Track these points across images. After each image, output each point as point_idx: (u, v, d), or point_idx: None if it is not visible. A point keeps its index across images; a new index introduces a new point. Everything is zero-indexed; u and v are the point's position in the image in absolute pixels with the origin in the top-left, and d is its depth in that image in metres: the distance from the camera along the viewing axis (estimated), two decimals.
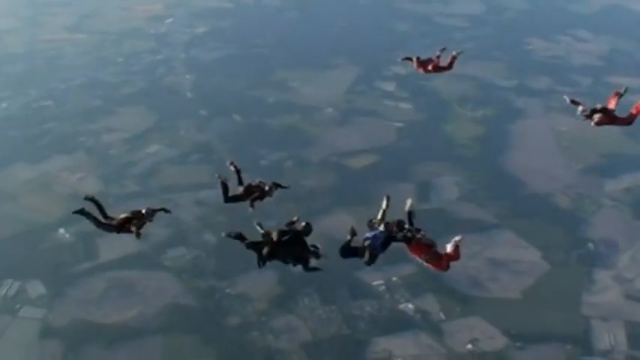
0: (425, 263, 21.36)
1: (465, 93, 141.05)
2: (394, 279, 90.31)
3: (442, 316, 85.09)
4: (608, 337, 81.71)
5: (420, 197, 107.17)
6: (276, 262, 24.98)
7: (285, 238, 21.14)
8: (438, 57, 26.76)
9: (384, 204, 23.25)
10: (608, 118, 21.88)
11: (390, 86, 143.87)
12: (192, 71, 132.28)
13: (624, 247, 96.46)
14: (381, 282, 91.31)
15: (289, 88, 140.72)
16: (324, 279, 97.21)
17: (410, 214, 22.78)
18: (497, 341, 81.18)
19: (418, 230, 20.63)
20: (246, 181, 22.72)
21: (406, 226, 20.85)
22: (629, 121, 21.97)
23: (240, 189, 22.73)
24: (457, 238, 21.09)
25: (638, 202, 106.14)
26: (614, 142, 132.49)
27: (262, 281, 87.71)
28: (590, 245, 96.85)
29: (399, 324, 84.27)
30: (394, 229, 20.61)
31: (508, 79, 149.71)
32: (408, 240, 20.48)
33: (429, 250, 20.84)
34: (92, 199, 21.27)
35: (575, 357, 78.99)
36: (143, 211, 21.26)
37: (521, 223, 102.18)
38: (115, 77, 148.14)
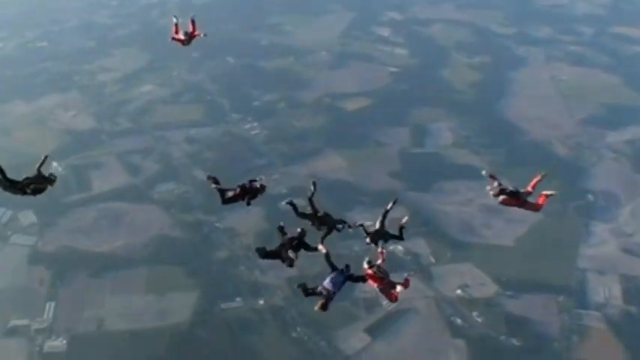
0: (379, 292, 21.09)
1: (463, 39, 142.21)
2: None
3: (432, 259, 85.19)
4: (604, 290, 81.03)
5: (415, 141, 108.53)
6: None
7: (295, 242, 22.18)
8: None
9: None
10: (517, 201, 21.43)
11: (385, 31, 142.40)
12: (186, 14, 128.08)
13: (625, 200, 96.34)
14: (370, 223, 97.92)
15: (283, 32, 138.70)
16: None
17: (402, 228, 23.63)
18: (488, 288, 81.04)
19: (379, 266, 20.90)
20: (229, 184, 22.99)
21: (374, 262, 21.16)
22: (536, 208, 21.80)
23: (231, 194, 22.83)
24: (406, 275, 21.39)
25: (639, 155, 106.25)
26: (616, 93, 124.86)
27: (250, 217, 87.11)
28: (590, 197, 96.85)
29: (388, 265, 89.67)
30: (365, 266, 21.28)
31: (507, 26, 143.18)
32: (363, 279, 20.95)
33: (382, 281, 20.69)
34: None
35: (568, 309, 78.45)
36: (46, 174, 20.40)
37: (517, 170, 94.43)
38: (109, 19, 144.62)
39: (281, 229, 22.97)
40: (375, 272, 20.79)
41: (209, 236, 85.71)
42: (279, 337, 72.38)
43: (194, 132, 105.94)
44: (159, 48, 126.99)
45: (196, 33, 28.30)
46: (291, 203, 24.28)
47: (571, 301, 79.17)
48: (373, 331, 74.47)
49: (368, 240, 23.03)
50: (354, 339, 73.74)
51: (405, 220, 24.25)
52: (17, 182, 19.42)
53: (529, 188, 21.55)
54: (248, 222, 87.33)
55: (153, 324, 74.50)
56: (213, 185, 23.09)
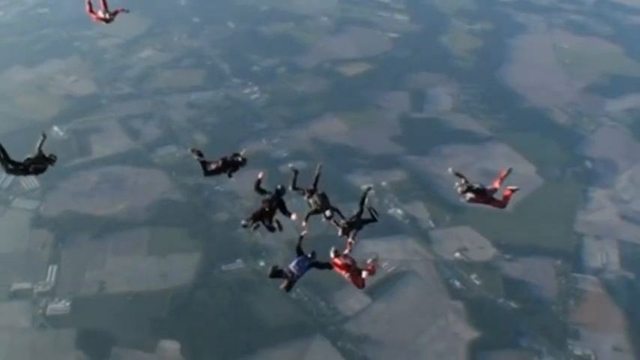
0: (347, 278, 21.45)
1: (464, 6, 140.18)
2: (383, 184, 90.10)
3: (431, 223, 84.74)
4: (601, 255, 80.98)
5: (414, 106, 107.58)
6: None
7: (274, 204, 22.84)
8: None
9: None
10: (483, 198, 21.98)
11: None
12: None
13: (623, 167, 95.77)
14: (370, 186, 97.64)
15: None
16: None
17: (374, 210, 23.72)
18: (487, 252, 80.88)
19: (346, 255, 21.36)
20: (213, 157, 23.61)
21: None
22: (502, 204, 22.69)
23: (214, 166, 23.58)
24: (370, 261, 21.59)
25: (638, 123, 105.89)
26: (617, 62, 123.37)
27: (251, 180, 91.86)
28: (588, 163, 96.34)
29: (386, 228, 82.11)
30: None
31: None
32: (328, 266, 21.37)
33: (348, 268, 21.10)
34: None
35: (565, 273, 78.35)
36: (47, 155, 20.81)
37: (517, 136, 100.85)
38: None
39: (257, 186, 23.76)
40: (341, 261, 21.26)
41: (210, 199, 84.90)
42: (279, 298, 71.51)
43: (194, 96, 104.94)
44: (159, 13, 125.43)
45: (119, 9, 26.45)
46: (294, 170, 24.82)
47: (568, 266, 78.99)
48: (372, 292, 73.62)
49: (340, 232, 23.04)
50: (353, 300, 73.16)
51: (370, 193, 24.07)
52: (19, 164, 20.29)
53: (495, 185, 22.30)
54: (249, 185, 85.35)
55: (155, 286, 73.99)
56: (196, 157, 23.70)
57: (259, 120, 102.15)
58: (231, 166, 24.15)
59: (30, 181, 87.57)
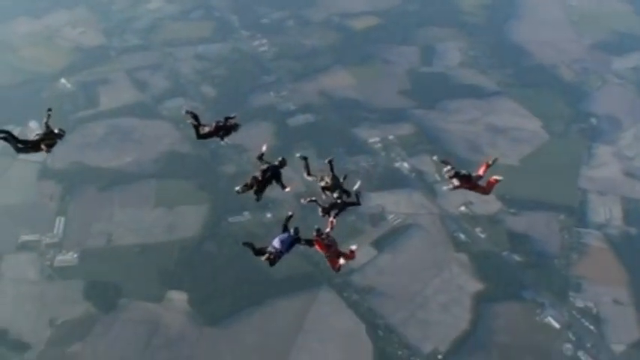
0: (326, 258, 20.68)
1: None
2: (391, 137, 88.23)
3: (437, 177, 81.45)
4: (604, 211, 79.52)
5: (423, 61, 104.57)
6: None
7: (268, 174, 21.42)
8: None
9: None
10: (469, 184, 20.96)
11: None
12: None
13: (627, 125, 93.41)
14: (377, 140, 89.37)
15: None
16: (321, 134, 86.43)
17: (358, 194, 22.42)
18: (492, 206, 78.54)
19: (328, 235, 20.34)
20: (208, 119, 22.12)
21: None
22: (486, 191, 21.64)
23: (207, 129, 21.82)
24: (354, 247, 21.10)
25: None
26: (625, 20, 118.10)
27: (259, 133, 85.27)
28: (593, 120, 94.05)
29: (393, 182, 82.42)
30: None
31: None
32: (310, 243, 20.21)
33: (329, 249, 20.34)
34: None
35: (568, 227, 76.88)
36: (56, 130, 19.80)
37: (524, 92, 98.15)
38: None
39: (260, 157, 21.87)
40: (322, 240, 20.25)
41: (217, 152, 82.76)
42: None
43: (203, 49, 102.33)
44: None
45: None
46: (303, 158, 22.85)
47: (572, 220, 77.71)
48: (378, 245, 72.84)
49: (321, 213, 21.44)
50: (360, 253, 70.97)
51: (357, 185, 22.96)
52: (29, 142, 19.24)
53: (480, 172, 21.29)
54: (257, 138, 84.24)
55: (162, 237, 72.78)
56: (190, 121, 22.14)
57: (267, 73, 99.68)
58: (223, 130, 21.86)
59: (37, 132, 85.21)
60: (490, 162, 21.43)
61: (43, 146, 19.66)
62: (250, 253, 19.37)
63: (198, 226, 73.92)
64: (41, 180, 79.00)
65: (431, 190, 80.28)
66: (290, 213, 21.01)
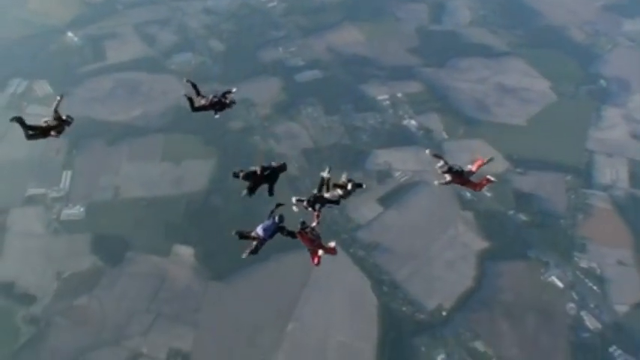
0: (308, 251, 20.37)
1: None
2: (399, 95, 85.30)
3: (445, 135, 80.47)
4: (610, 172, 77.39)
5: (432, 18, 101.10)
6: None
7: (266, 173, 21.20)
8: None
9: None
10: (460, 180, 21.11)
11: None
12: None
13: (637, 87, 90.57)
14: (385, 97, 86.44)
15: None
16: (329, 90, 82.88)
17: (354, 185, 21.80)
18: (499, 165, 75.24)
19: (313, 229, 20.21)
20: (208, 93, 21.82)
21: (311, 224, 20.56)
22: (477, 188, 21.78)
23: (203, 101, 22.09)
24: (332, 243, 20.64)
25: None
26: None
27: (267, 88, 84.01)
28: (602, 82, 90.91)
29: (400, 139, 79.81)
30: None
31: None
32: (292, 234, 20.25)
33: (312, 243, 20.45)
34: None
35: (575, 188, 74.94)
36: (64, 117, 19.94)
37: (533, 52, 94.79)
38: None
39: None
40: (306, 234, 20.51)
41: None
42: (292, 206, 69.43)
43: (211, 3, 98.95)
44: None
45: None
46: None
47: (578, 181, 75.72)
48: (384, 201, 70.93)
49: (305, 205, 21.87)
50: (366, 209, 70.12)
51: (344, 178, 22.91)
52: (38, 128, 19.89)
53: (473, 169, 21.47)
54: (264, 93, 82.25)
55: (169, 191, 70.79)
56: (184, 93, 22.58)
57: (276, 28, 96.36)
58: (219, 105, 22.77)
59: (43, 87, 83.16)
60: (485, 161, 21.45)
61: (52, 132, 20.25)
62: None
63: (205, 181, 71.88)
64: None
65: (438, 148, 77.71)
66: (279, 202, 21.21)
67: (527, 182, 75.27)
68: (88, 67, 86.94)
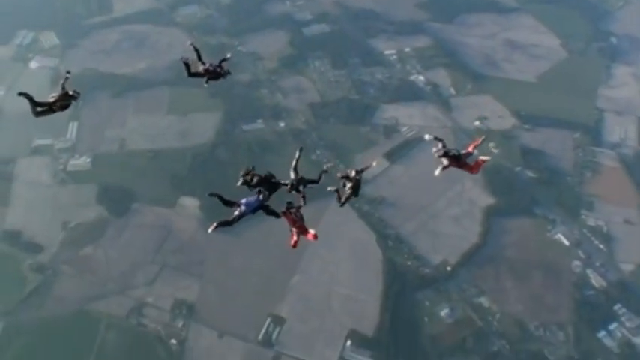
0: (290, 232, 19.08)
1: None
2: (407, 50, 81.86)
3: (452, 91, 77.33)
4: (619, 131, 74.39)
5: None
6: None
7: (267, 181, 19.80)
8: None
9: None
10: (458, 163, 19.91)
11: None
12: None
13: None
14: (393, 52, 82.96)
15: None
16: (337, 44, 78.90)
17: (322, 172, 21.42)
18: (506, 121, 73.86)
19: (297, 210, 19.31)
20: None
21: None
22: (473, 171, 20.50)
23: (201, 67, 20.83)
24: (313, 231, 18.94)
25: None
26: None
27: (274, 41, 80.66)
28: (613, 39, 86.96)
29: (408, 94, 76.45)
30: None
31: None
32: (276, 214, 19.15)
33: (295, 224, 19.20)
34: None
35: (583, 145, 72.17)
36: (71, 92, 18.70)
37: (544, 9, 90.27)
38: None
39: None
40: (291, 214, 19.32)
41: (231, 60, 76.67)
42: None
43: None
44: None
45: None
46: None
47: (587, 139, 73.01)
48: (391, 156, 68.54)
49: (288, 188, 20.34)
50: (373, 163, 68.35)
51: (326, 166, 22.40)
52: (45, 103, 18.62)
53: (470, 149, 20.15)
54: (271, 46, 79.09)
55: (175, 144, 68.64)
56: (182, 58, 20.91)
57: None
58: (214, 74, 21.11)
59: (50, 39, 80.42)
60: (480, 141, 20.20)
61: (56, 107, 19.18)
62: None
63: (211, 134, 69.68)
64: (54, 86, 73.91)
65: (445, 104, 75.41)
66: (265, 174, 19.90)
67: (534, 139, 72.56)
68: (95, 19, 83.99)
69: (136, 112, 71.96)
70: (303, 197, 19.82)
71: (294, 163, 20.77)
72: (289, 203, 19.08)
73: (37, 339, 53.27)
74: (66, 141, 68.97)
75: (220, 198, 18.23)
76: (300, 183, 20.38)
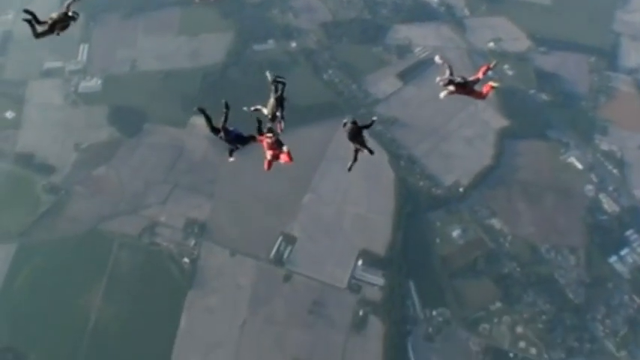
0: (266, 157, 16.71)
1: None
2: None
3: (467, 11, 70.81)
4: (636, 56, 68.12)
5: None
6: None
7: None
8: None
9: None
10: (464, 90, 17.17)
11: None
12: None
13: None
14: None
15: None
16: None
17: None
18: (521, 43, 67.72)
19: (275, 133, 16.82)
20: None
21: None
22: (482, 96, 17.57)
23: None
24: (286, 148, 16.69)
25: None
26: None
27: None
28: None
29: (421, 14, 69.83)
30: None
31: None
32: (254, 138, 16.89)
33: (271, 147, 16.75)
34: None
35: (598, 70, 66.24)
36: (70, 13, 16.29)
37: None
38: None
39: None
40: (267, 139, 16.81)
41: None
42: (311, 79, 60.92)
43: None
44: None
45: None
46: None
47: (602, 63, 66.65)
48: (404, 76, 62.68)
49: (270, 117, 17.58)
50: (385, 83, 61.98)
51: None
52: (45, 22, 16.18)
53: (479, 75, 17.10)
54: None
55: (186, 64, 62.86)
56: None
57: None
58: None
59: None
60: (491, 66, 17.73)
61: (57, 28, 17.03)
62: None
63: (222, 54, 63.69)
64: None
65: (459, 25, 68.82)
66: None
67: (549, 62, 66.00)
68: None
69: (146, 33, 65.96)
70: (280, 124, 17.68)
71: (278, 93, 17.97)
72: (270, 129, 17.02)
73: (51, 259, 49.62)
74: (77, 63, 63.48)
75: (206, 116, 16.23)
76: (279, 106, 18.08)
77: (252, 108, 17.68)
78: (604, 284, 51.65)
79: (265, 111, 17.65)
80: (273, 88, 17.82)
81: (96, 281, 48.73)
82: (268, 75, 17.80)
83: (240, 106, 17.13)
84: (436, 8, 69.70)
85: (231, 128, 16.62)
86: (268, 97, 17.80)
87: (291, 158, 16.59)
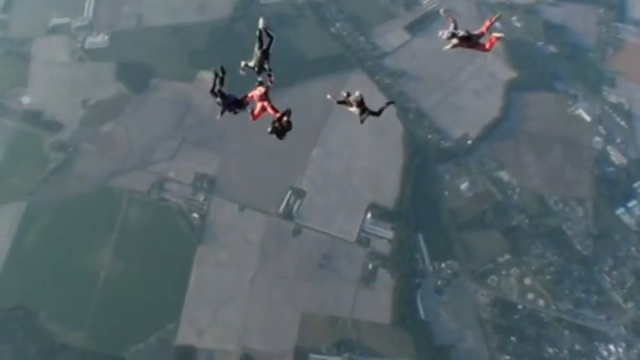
0: (254, 110, 15.44)
1: None
2: None
3: None
4: None
5: None
6: None
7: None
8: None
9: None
10: (468, 44, 15.94)
11: None
12: None
13: None
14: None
15: None
16: None
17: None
18: None
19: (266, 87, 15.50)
20: None
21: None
22: (486, 49, 16.29)
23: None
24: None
25: None
26: None
27: None
28: None
29: None
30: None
31: None
32: (245, 99, 15.74)
33: (261, 99, 15.44)
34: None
35: (606, 21, 61.01)
36: None
37: None
38: None
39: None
40: (258, 92, 15.29)
41: None
42: (318, 32, 55.80)
43: None
44: None
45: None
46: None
47: (610, 14, 61.11)
48: (412, 29, 57.22)
49: (257, 69, 15.18)
50: (392, 36, 56.55)
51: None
52: None
53: (483, 29, 15.49)
54: None
55: (193, 18, 57.60)
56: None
57: None
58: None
59: None
60: (494, 18, 15.52)
61: None
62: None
63: (229, 8, 58.03)
64: None
65: None
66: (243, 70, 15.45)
67: (557, 13, 60.10)
68: None
69: None
70: (269, 76, 15.73)
71: (264, 47, 15.40)
72: (260, 82, 15.56)
73: (60, 217, 45.96)
74: (83, 19, 58.05)
75: (221, 79, 14.84)
76: (265, 59, 15.82)
77: (242, 64, 15.34)
78: (611, 236, 48.22)
79: (251, 64, 15.45)
80: (257, 35, 15.20)
81: (105, 238, 45.25)
82: (261, 21, 15.12)
83: (247, 59, 14.90)
84: None
85: (227, 93, 15.25)
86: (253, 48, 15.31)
87: (276, 112, 15.05)
